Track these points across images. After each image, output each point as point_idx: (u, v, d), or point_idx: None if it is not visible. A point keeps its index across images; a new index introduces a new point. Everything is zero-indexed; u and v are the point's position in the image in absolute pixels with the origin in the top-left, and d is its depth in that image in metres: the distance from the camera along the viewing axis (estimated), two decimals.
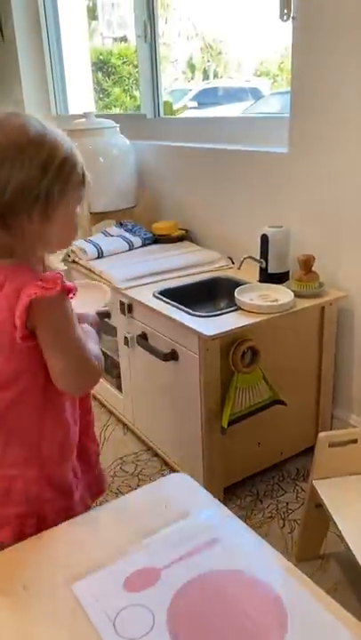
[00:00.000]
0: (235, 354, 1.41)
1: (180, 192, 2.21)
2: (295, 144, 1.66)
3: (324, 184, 1.61)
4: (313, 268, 1.59)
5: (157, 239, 2.12)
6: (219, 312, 1.52)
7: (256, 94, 3.56)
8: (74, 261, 2.00)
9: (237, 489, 1.62)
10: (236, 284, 1.73)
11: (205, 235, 2.13)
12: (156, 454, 1.78)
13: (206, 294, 1.77)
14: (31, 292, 0.78)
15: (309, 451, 1.72)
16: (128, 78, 7.26)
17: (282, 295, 1.52)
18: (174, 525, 0.83)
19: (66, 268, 2.02)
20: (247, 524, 0.84)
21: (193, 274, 1.82)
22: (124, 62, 5.16)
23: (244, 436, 1.56)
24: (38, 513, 0.91)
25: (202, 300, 1.76)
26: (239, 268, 1.66)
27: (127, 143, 2.30)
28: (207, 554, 0.77)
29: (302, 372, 1.64)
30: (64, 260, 2.04)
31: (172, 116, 2.73)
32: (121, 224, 2.20)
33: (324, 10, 1.45)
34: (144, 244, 2.07)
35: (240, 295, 1.52)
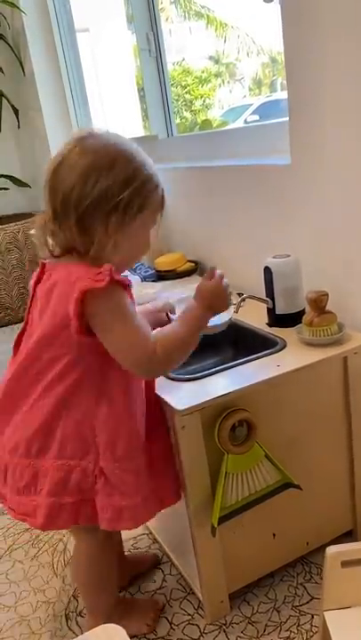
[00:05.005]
0: (221, 430, 1.08)
1: (190, 218, 1.92)
2: (298, 153, 1.33)
3: (337, 197, 1.26)
4: (330, 307, 1.24)
5: (162, 275, 1.84)
6: (211, 370, 1.21)
7: None
8: None
9: (250, 593, 1.27)
10: (240, 329, 1.41)
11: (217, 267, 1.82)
12: (156, 540, 1.47)
13: (208, 343, 1.45)
14: (83, 285, 0.86)
15: (347, 536, 1.35)
16: (177, 100, 7.12)
17: None
18: None
19: None
20: None
21: None
22: (172, 84, 5.16)
23: (251, 526, 1.21)
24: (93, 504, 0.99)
25: (204, 350, 1.44)
26: (236, 312, 1.33)
27: None
28: None
29: (326, 442, 1.27)
30: None
31: (188, 134, 2.45)
32: None
33: None
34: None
35: None
